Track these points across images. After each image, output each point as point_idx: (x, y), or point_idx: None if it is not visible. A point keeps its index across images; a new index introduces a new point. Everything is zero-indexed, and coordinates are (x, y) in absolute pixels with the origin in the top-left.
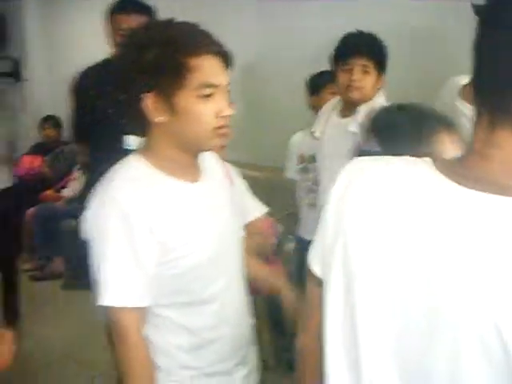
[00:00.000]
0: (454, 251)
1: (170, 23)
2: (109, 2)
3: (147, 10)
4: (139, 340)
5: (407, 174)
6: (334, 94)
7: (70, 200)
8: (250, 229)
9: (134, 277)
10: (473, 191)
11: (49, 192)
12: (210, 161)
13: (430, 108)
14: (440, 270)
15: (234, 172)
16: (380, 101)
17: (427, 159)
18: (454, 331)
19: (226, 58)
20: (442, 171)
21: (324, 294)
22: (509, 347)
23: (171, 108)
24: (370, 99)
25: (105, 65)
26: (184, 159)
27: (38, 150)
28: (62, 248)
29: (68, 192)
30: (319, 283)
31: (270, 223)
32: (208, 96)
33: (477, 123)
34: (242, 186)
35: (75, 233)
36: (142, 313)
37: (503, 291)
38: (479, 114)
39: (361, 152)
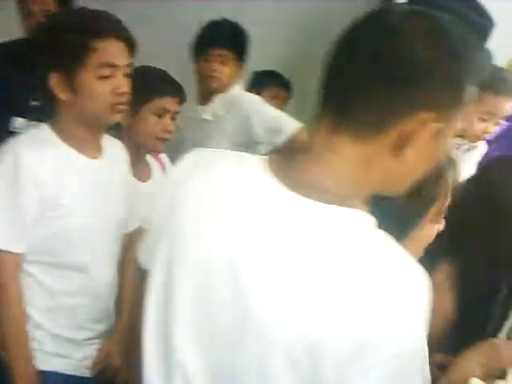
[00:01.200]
0: (265, 258)
1: (81, 10)
2: None
3: None
4: (12, 281)
5: (237, 170)
6: (274, 97)
7: None
8: None
9: (11, 222)
10: (295, 195)
11: None
12: (116, 149)
13: None
14: (249, 275)
15: (168, 162)
16: (237, 90)
17: (264, 157)
18: (259, 338)
19: (129, 43)
20: (272, 171)
21: (147, 283)
22: (318, 361)
23: (73, 87)
24: (228, 88)
25: (17, 44)
26: (86, 136)
27: None
28: None
29: None
30: (145, 273)
31: None
32: (107, 77)
33: (318, 125)
34: None
35: None
36: (16, 260)
37: (313, 305)
38: (321, 117)
39: None
